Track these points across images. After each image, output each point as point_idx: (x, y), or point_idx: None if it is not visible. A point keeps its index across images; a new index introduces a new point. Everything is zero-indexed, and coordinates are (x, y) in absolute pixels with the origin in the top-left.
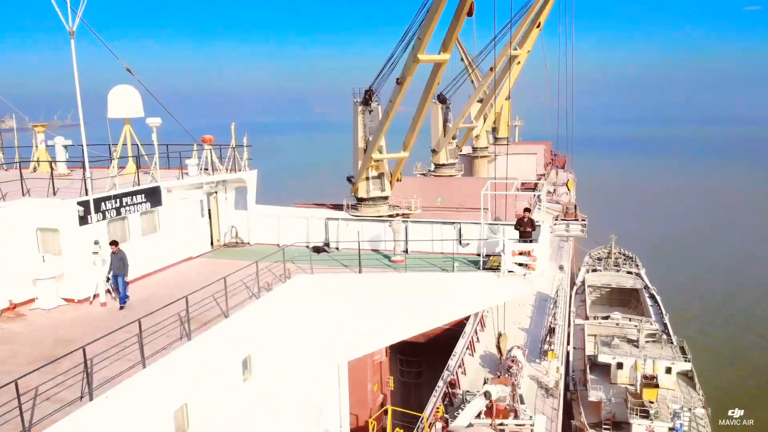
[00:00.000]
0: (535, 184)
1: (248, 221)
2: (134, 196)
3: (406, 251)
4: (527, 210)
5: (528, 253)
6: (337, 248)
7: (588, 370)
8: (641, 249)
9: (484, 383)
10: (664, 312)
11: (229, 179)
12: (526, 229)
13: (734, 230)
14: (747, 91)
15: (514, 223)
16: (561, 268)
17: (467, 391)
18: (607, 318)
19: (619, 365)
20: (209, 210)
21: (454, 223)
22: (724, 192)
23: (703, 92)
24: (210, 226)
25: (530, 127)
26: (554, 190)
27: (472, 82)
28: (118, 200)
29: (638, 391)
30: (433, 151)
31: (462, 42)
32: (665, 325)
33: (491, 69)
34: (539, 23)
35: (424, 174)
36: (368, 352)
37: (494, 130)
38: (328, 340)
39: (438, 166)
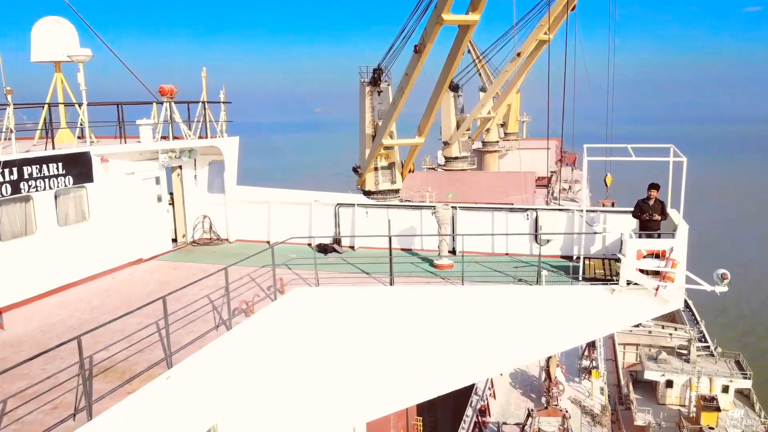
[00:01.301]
0: (549, 179)
1: (226, 209)
2: (45, 166)
3: (453, 251)
4: (655, 187)
5: (662, 255)
6: (352, 247)
7: (631, 388)
8: None
9: (528, 416)
10: (698, 318)
11: (198, 147)
12: (653, 216)
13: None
14: (747, 92)
15: (633, 208)
16: None
17: (504, 423)
18: (637, 325)
19: (669, 383)
20: (171, 193)
21: (527, 209)
22: (737, 188)
23: (707, 92)
24: (173, 215)
25: (536, 123)
26: (569, 187)
27: (480, 74)
28: (14, 170)
29: (694, 414)
30: (445, 144)
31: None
32: (702, 332)
33: (518, 54)
34: (573, 5)
35: (432, 168)
36: (402, 408)
37: (503, 125)
38: (341, 393)
39: (449, 159)
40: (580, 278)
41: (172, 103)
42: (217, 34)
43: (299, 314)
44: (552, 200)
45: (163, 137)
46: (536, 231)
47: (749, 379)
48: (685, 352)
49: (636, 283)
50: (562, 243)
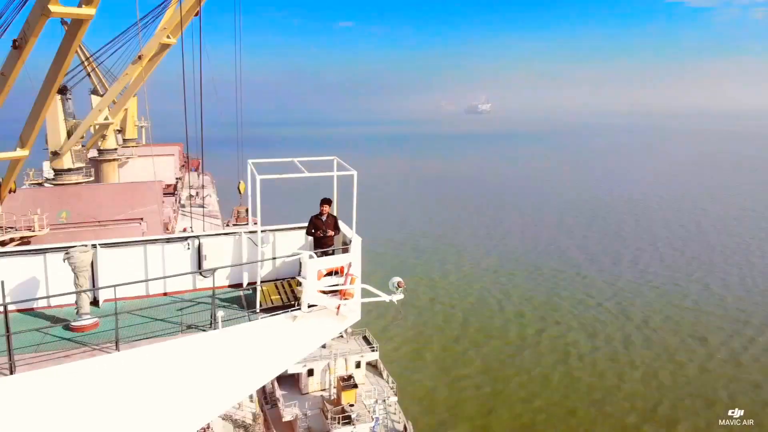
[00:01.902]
0: (175, 186)
1: None
2: None
3: (95, 302)
4: (326, 202)
5: (341, 272)
6: None
7: (276, 385)
8: None
9: None
10: None
11: None
12: (327, 232)
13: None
14: (353, 97)
15: (307, 225)
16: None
17: None
18: None
19: (310, 372)
20: None
21: (187, 237)
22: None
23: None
24: None
25: (157, 129)
26: (197, 193)
27: (90, 76)
28: None
29: (335, 396)
30: (54, 154)
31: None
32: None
33: (139, 57)
34: (198, 11)
35: (39, 183)
36: None
37: (121, 131)
38: None
39: (60, 172)
40: (258, 310)
41: None
42: None
43: None
44: (180, 208)
45: None
46: (200, 261)
47: (376, 351)
48: None
49: (314, 305)
50: (230, 271)
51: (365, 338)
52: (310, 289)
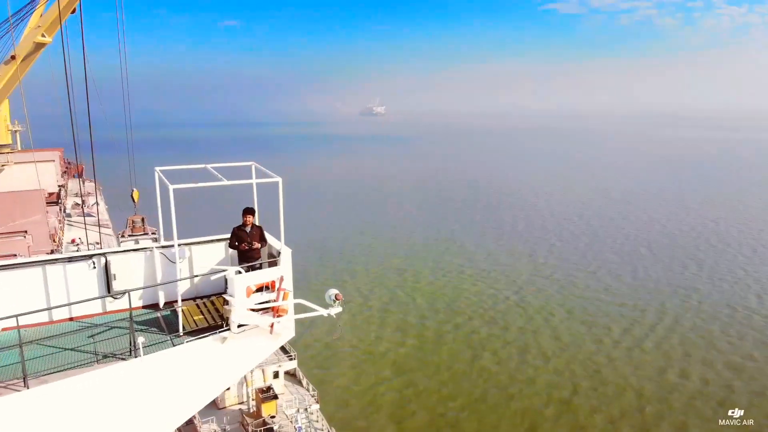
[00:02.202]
0: (58, 194)
1: None
2: None
3: None
4: (250, 212)
5: (272, 287)
6: None
7: None
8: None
9: None
10: None
11: None
12: (252, 244)
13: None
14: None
15: (230, 237)
16: None
17: None
18: None
19: None
20: None
21: (92, 255)
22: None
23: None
24: None
25: (33, 132)
26: (83, 201)
27: None
28: None
29: (255, 408)
30: None
31: None
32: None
33: (12, 57)
34: (74, 8)
35: None
36: None
37: None
38: None
39: None
40: (182, 333)
41: None
42: None
43: None
44: (65, 217)
45: None
46: (108, 281)
47: (294, 359)
48: None
49: (244, 324)
50: (142, 291)
51: (282, 347)
52: (240, 307)
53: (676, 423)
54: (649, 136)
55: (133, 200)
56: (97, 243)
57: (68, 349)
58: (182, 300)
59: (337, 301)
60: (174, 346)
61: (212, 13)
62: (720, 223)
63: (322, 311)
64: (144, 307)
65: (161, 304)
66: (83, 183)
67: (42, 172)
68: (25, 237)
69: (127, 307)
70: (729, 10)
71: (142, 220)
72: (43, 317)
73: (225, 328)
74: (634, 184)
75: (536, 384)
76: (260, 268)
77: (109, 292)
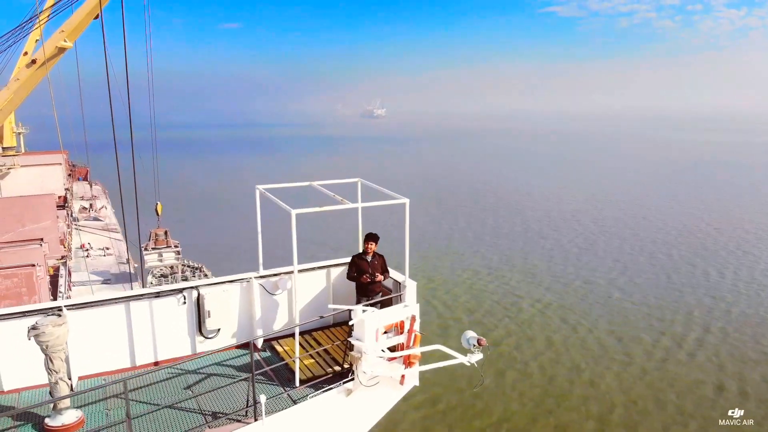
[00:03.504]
0: (65, 198)
1: None
2: None
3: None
4: (373, 238)
5: (400, 328)
6: None
7: None
8: (207, 256)
9: None
10: None
11: None
12: (375, 277)
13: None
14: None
15: (348, 266)
16: None
17: None
18: None
19: None
20: None
21: (182, 289)
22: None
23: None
24: None
25: (34, 135)
26: (90, 205)
27: None
28: None
29: None
30: None
31: None
32: None
33: (33, 61)
34: (97, 14)
35: None
36: None
37: None
38: None
39: None
40: (297, 383)
41: None
42: None
43: None
44: (72, 222)
45: None
46: (200, 318)
47: None
48: None
49: (376, 377)
50: (237, 328)
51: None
52: (371, 353)
53: None
54: (652, 138)
55: (157, 213)
56: (107, 248)
57: (168, 407)
58: (279, 337)
59: (479, 347)
60: (294, 401)
61: (212, 16)
62: (737, 228)
63: (462, 359)
64: (238, 347)
65: (259, 344)
66: (91, 187)
67: (49, 176)
68: (41, 245)
69: (220, 347)
70: (728, 13)
71: (165, 233)
72: (124, 362)
73: (349, 378)
74: (643, 188)
75: (571, 399)
76: (381, 305)
77: (200, 330)
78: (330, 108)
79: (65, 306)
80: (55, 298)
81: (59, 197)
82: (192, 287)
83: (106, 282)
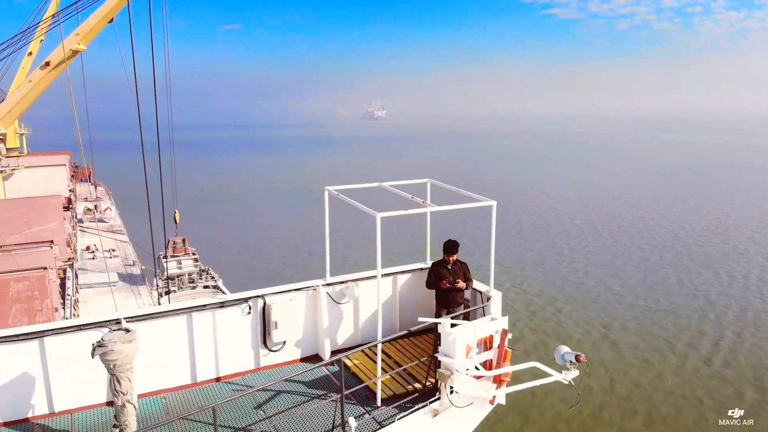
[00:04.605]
0: (69, 199)
1: None
2: None
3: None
4: (453, 246)
5: (489, 343)
6: None
7: None
8: (219, 258)
9: None
10: None
11: None
12: (456, 284)
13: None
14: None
15: (428, 274)
16: None
17: None
18: None
19: None
20: None
21: (247, 299)
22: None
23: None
24: None
25: (35, 135)
26: (95, 206)
27: None
28: None
29: None
30: None
31: None
32: None
33: (46, 63)
34: (112, 18)
35: None
36: None
37: (2, 139)
38: None
39: None
40: (379, 403)
41: None
42: None
43: None
44: (77, 223)
45: None
46: (266, 329)
47: None
48: None
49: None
50: (302, 337)
51: None
52: (462, 371)
53: None
54: (654, 140)
55: (175, 221)
56: (113, 250)
57: (239, 430)
58: (344, 351)
59: (576, 364)
60: (380, 423)
61: (213, 18)
62: (752, 231)
63: (558, 376)
64: (303, 359)
65: (326, 357)
66: (95, 188)
67: (53, 177)
68: (51, 247)
69: (286, 360)
70: (728, 15)
71: (183, 240)
72: (184, 378)
73: (435, 398)
74: (649, 190)
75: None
76: (464, 317)
77: (265, 342)
78: (330, 108)
79: (124, 318)
80: (63, 302)
81: (64, 198)
82: (257, 296)
83: (113, 284)
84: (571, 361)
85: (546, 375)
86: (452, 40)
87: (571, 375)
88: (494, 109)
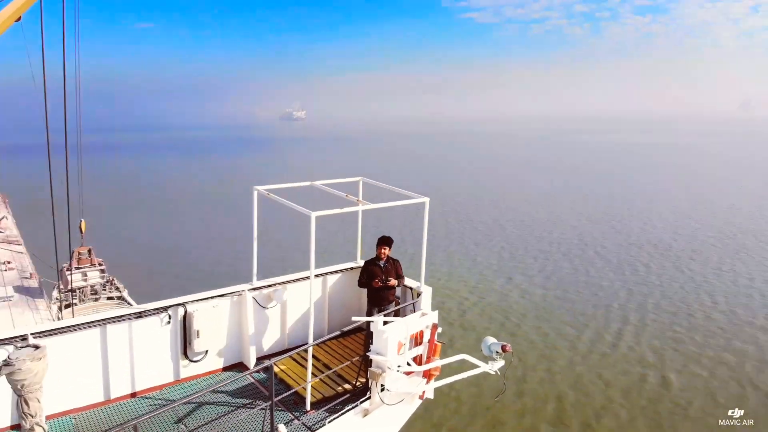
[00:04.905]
0: None
1: None
2: None
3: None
4: (386, 242)
5: (420, 338)
6: None
7: None
8: (135, 268)
9: None
10: None
11: None
12: (388, 280)
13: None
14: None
15: (360, 272)
16: None
17: None
18: None
19: None
20: None
21: (167, 307)
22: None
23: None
24: None
25: None
26: None
27: None
28: None
29: None
30: None
31: None
32: None
33: None
34: (19, 17)
35: None
36: None
37: None
38: None
39: None
40: (308, 407)
41: None
42: None
43: None
44: None
45: None
46: (186, 338)
47: None
48: None
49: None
50: (226, 345)
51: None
52: (394, 368)
53: None
54: (574, 140)
55: (81, 231)
56: (9, 262)
57: None
58: (274, 356)
59: (501, 354)
60: (309, 428)
61: (127, 15)
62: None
63: (485, 367)
64: (226, 368)
65: (251, 364)
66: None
67: None
68: None
69: (208, 370)
70: (634, 20)
71: (89, 251)
72: (96, 396)
73: (366, 397)
74: (552, 187)
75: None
76: (395, 314)
77: (185, 353)
78: (249, 111)
79: (31, 334)
80: None
81: None
82: (178, 304)
83: (8, 299)
84: (497, 352)
85: (474, 366)
86: (373, 42)
87: (497, 365)
88: (415, 111)
